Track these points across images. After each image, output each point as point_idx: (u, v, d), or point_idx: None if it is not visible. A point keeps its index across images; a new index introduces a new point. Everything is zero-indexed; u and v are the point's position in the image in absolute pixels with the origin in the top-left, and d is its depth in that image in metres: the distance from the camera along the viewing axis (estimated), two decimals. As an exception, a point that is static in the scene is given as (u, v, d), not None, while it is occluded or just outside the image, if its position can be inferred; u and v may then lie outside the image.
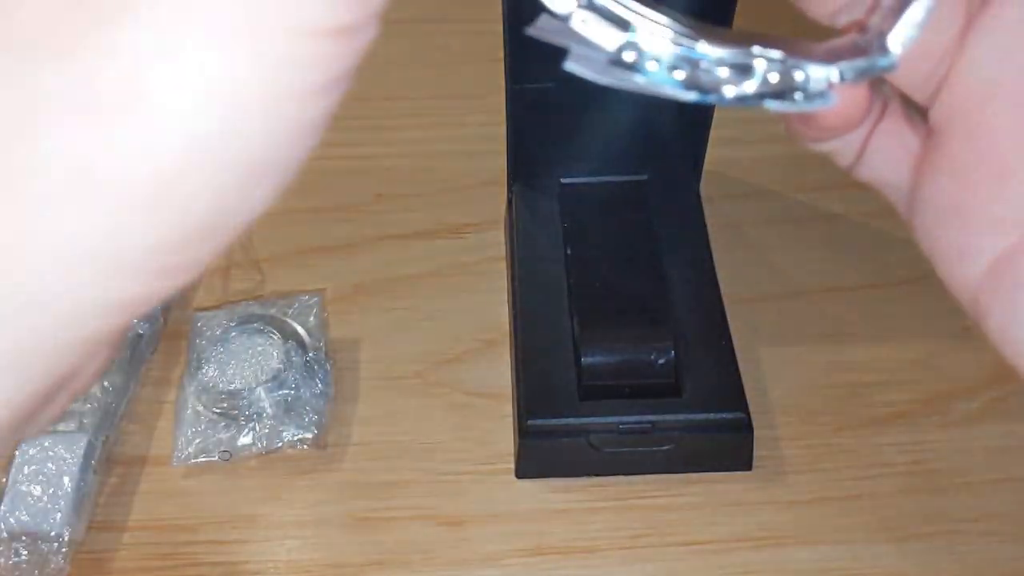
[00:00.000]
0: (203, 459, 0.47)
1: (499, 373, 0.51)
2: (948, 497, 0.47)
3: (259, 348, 0.49)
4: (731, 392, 0.46)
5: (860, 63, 0.18)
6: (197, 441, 0.47)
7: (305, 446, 0.48)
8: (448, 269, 0.55)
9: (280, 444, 0.47)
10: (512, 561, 0.45)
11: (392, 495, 0.47)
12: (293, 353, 0.49)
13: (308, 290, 0.53)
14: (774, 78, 0.18)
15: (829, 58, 0.18)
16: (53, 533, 0.43)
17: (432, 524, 0.46)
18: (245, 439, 0.47)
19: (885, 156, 0.22)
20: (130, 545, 0.45)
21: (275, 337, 0.49)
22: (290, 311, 0.51)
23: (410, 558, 0.45)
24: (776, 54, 0.18)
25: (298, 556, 0.45)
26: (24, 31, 0.14)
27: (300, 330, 0.50)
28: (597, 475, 0.47)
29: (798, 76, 0.18)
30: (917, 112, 0.22)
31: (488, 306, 0.53)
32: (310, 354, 0.50)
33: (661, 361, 0.47)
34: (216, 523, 0.46)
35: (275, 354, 0.49)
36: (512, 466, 0.48)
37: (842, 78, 0.18)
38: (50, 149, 0.14)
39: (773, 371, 0.51)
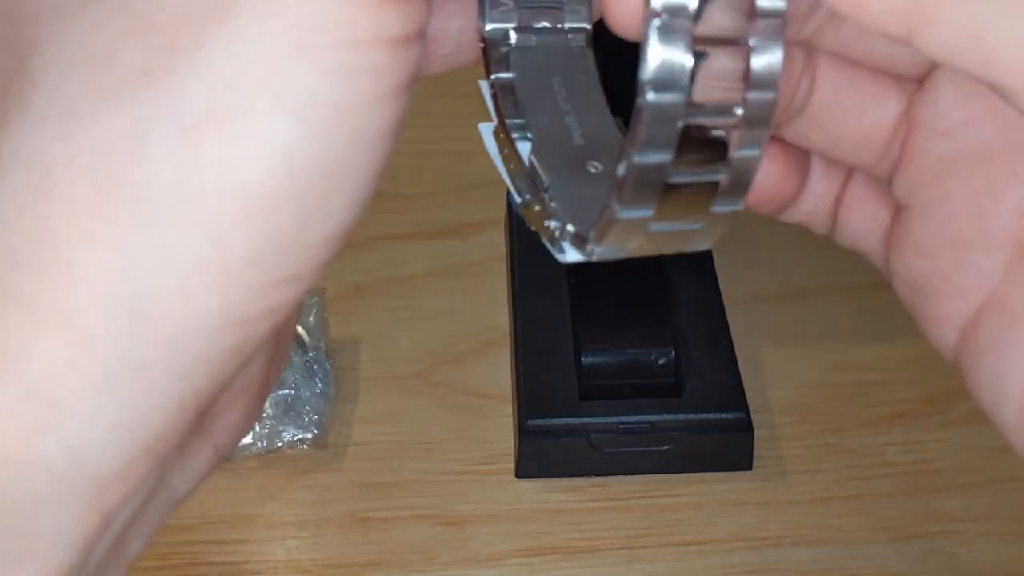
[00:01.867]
0: (203, 459, 0.47)
1: (499, 373, 0.51)
2: (948, 497, 0.47)
3: (259, 348, 0.49)
4: (731, 392, 0.46)
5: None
6: (197, 441, 0.47)
7: (305, 446, 0.48)
8: (448, 269, 0.55)
9: (280, 444, 0.47)
10: (512, 561, 0.45)
11: (392, 495, 0.47)
12: (293, 353, 0.49)
13: (308, 290, 0.53)
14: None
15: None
16: (53, 533, 0.43)
17: (432, 524, 0.46)
18: (245, 439, 0.47)
19: (855, 227, 0.22)
20: (130, 545, 0.45)
21: (275, 337, 0.49)
22: (290, 311, 0.51)
23: (410, 558, 0.45)
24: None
25: (298, 556, 0.45)
26: (116, 70, 0.15)
27: (300, 330, 0.50)
28: (597, 475, 0.47)
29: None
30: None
31: (488, 306, 0.53)
32: (310, 354, 0.50)
33: (661, 361, 0.47)
34: (216, 523, 0.46)
35: (275, 354, 0.49)
36: (512, 466, 0.48)
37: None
38: (154, 171, 0.15)
39: (773, 371, 0.51)
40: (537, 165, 0.21)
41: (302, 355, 0.49)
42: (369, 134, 0.16)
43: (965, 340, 0.20)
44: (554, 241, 0.20)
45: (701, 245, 0.18)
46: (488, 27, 0.21)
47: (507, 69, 0.22)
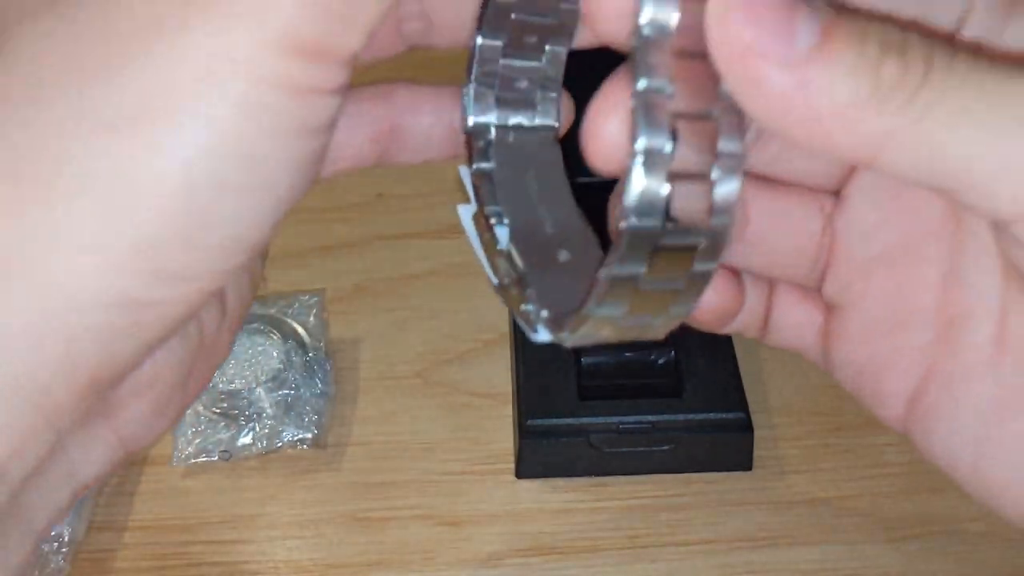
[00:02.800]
0: (203, 459, 0.47)
1: (499, 373, 0.51)
2: (948, 497, 0.47)
3: (259, 348, 0.49)
4: (731, 392, 0.46)
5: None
6: (197, 441, 0.47)
7: (305, 446, 0.48)
8: (448, 269, 0.55)
9: (280, 444, 0.47)
10: (512, 561, 0.45)
11: (392, 495, 0.47)
12: (293, 353, 0.49)
13: (308, 290, 0.53)
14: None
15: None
16: (53, 533, 0.43)
17: (432, 524, 0.46)
18: (245, 439, 0.47)
19: (789, 329, 0.25)
20: (130, 545, 0.45)
21: (275, 337, 0.49)
22: (290, 311, 0.51)
23: (410, 558, 0.45)
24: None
25: (298, 556, 0.45)
26: (53, 72, 0.18)
27: (300, 330, 0.50)
28: (597, 475, 0.47)
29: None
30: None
31: (488, 306, 0.53)
32: (310, 354, 0.50)
33: (661, 361, 0.47)
34: (216, 523, 0.46)
35: (275, 354, 0.49)
36: (512, 466, 0.48)
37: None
38: (66, 159, 0.17)
39: (773, 371, 0.51)
40: (514, 252, 0.23)
41: (302, 355, 0.49)
42: (264, 163, 0.18)
43: (912, 412, 0.23)
44: (529, 323, 0.22)
45: (659, 333, 0.22)
46: (472, 121, 0.24)
47: (487, 160, 0.24)
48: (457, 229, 0.25)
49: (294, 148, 0.19)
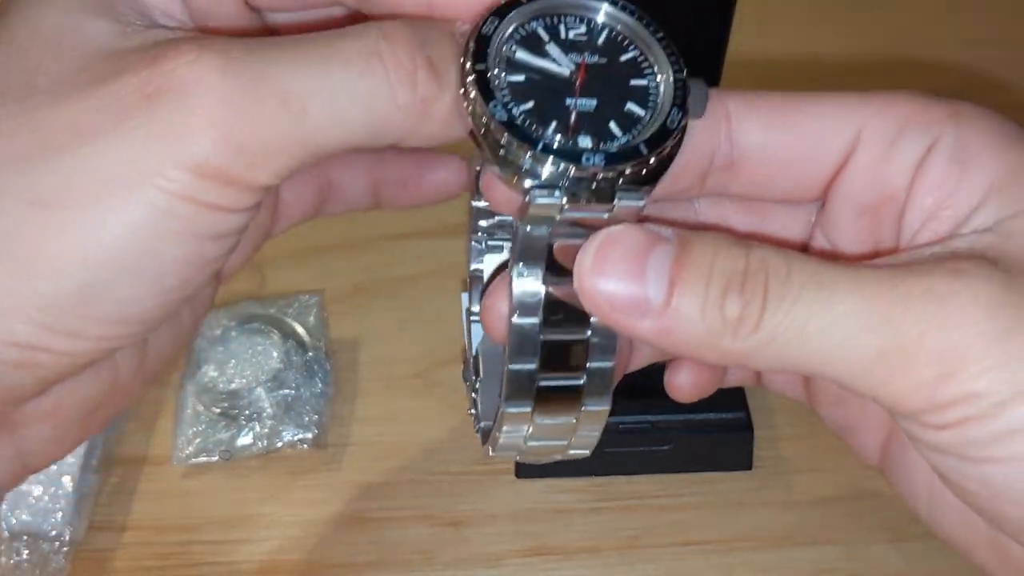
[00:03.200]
0: (203, 459, 0.47)
1: (499, 373, 0.51)
2: (948, 497, 0.47)
3: (259, 348, 0.49)
4: (731, 392, 0.46)
5: None
6: (197, 441, 0.47)
7: (305, 446, 0.48)
8: (448, 269, 0.55)
9: (280, 444, 0.47)
10: (512, 561, 0.45)
11: (392, 495, 0.47)
12: (293, 353, 0.49)
13: (308, 290, 0.53)
14: None
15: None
16: (54, 533, 0.43)
17: (432, 524, 0.46)
18: (245, 439, 0.47)
19: (779, 384, 0.29)
20: (130, 545, 0.45)
21: (275, 337, 0.49)
22: (290, 311, 0.51)
23: (410, 558, 0.45)
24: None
25: (298, 556, 0.45)
26: (8, 149, 0.21)
27: (300, 330, 0.50)
28: (597, 475, 0.47)
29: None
30: None
31: (488, 306, 0.53)
32: (310, 354, 0.50)
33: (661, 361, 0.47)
34: (216, 523, 0.46)
35: (275, 354, 0.49)
36: (512, 466, 0.48)
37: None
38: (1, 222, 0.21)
39: (773, 371, 0.51)
40: (481, 358, 0.26)
41: (302, 355, 0.49)
42: (159, 257, 0.21)
43: (883, 457, 0.27)
44: (473, 424, 0.25)
45: (585, 441, 0.24)
46: (475, 227, 0.27)
47: (481, 263, 0.27)
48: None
49: (191, 250, 0.22)
